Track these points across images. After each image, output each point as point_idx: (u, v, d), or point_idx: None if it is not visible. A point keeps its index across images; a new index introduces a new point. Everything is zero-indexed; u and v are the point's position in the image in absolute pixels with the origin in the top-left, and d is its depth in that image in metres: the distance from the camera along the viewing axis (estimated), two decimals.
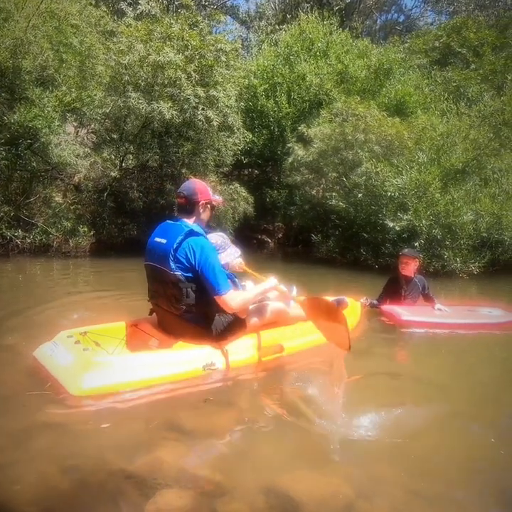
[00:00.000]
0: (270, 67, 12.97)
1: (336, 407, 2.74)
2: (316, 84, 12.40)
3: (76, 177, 10.40)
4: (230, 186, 11.00)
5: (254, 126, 12.58)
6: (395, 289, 5.03)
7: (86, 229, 9.94)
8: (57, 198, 10.42)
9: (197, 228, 3.13)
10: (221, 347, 3.12)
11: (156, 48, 9.41)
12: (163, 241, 3.11)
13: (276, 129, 12.61)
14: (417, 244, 8.44)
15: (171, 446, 2.21)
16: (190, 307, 3.04)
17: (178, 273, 2.99)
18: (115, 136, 10.64)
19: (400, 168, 9.03)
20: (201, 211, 3.23)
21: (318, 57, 13.14)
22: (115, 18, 12.03)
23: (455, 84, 13.54)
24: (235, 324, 3.25)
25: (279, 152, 12.49)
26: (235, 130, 10.80)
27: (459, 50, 14.99)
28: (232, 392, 2.99)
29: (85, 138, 11.50)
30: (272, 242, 13.57)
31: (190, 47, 9.83)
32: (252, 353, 3.26)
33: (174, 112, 9.26)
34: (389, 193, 8.81)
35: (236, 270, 3.76)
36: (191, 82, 9.53)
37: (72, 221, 9.93)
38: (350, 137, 9.85)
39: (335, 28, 14.24)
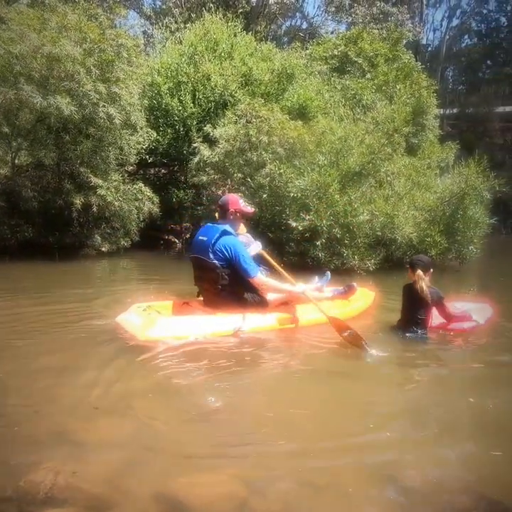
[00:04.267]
0: (174, 65, 12.78)
1: (240, 402, 2.78)
2: (220, 85, 12.44)
3: None
4: (134, 186, 10.70)
5: (159, 125, 12.32)
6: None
7: None
8: None
9: (229, 229, 4.27)
10: (248, 317, 4.17)
11: (51, 39, 8.88)
12: (205, 238, 4.25)
13: (181, 129, 12.45)
14: (318, 243, 8.80)
15: (57, 458, 2.09)
16: (224, 287, 4.18)
17: (215, 262, 4.13)
18: (6, 130, 9.87)
19: (301, 170, 9.34)
20: (231, 217, 4.37)
21: (223, 59, 13.18)
22: (4, 3, 11.14)
23: (353, 91, 14.32)
24: (260, 301, 4.38)
25: (185, 152, 12.35)
26: (139, 128, 10.52)
27: (356, 59, 15.87)
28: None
29: None
30: (179, 242, 13.36)
31: (88, 40, 9.39)
32: (271, 322, 4.32)
33: (73, 108, 8.80)
34: (292, 194, 9.08)
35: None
36: (91, 77, 9.12)
37: None
38: (254, 139, 10.03)
39: (239, 30, 14.39)
